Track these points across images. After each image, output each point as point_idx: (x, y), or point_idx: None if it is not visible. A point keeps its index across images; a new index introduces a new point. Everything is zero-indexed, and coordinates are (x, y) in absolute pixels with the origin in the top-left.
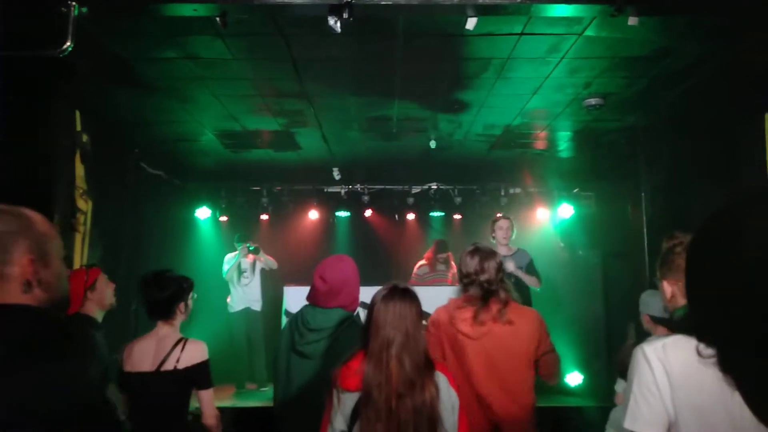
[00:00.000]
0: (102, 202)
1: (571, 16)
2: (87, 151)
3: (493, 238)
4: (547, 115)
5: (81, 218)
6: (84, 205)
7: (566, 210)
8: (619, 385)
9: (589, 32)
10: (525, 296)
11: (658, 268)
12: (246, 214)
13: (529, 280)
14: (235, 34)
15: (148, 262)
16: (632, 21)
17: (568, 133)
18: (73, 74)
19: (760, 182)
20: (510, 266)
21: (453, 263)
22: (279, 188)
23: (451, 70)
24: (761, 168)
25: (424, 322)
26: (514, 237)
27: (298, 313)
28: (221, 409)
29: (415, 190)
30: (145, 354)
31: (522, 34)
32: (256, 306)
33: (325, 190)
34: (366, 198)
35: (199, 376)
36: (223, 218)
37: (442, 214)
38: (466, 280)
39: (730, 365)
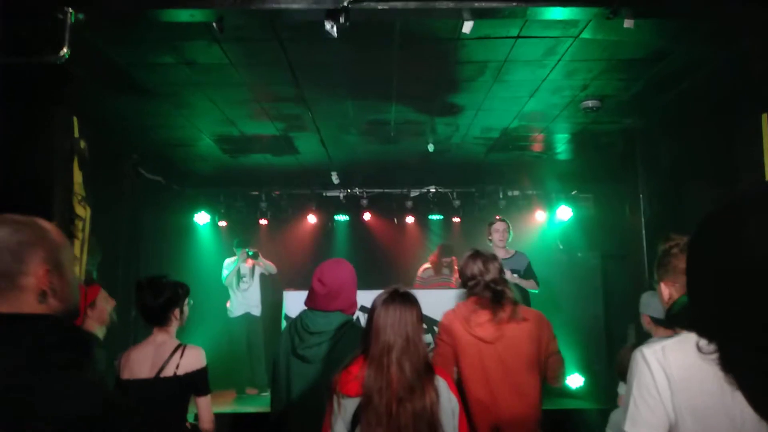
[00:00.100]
0: (100, 208)
1: (567, 18)
2: (85, 157)
3: (490, 240)
4: (545, 117)
5: (79, 225)
6: (82, 211)
7: (565, 212)
8: (622, 388)
9: (585, 35)
10: (524, 299)
11: (655, 270)
12: (245, 219)
13: (526, 284)
14: (232, 39)
15: (147, 268)
16: (628, 24)
17: (566, 135)
18: (71, 80)
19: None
20: (506, 274)
21: (457, 268)
22: (278, 193)
23: (448, 73)
24: (759, 169)
25: (424, 326)
26: (510, 239)
27: (297, 317)
28: (222, 415)
29: (414, 193)
30: (143, 361)
31: (518, 37)
32: (256, 311)
33: (324, 194)
34: (365, 202)
35: (199, 382)
36: (222, 223)
37: (441, 217)
38: (471, 282)
39: (730, 363)
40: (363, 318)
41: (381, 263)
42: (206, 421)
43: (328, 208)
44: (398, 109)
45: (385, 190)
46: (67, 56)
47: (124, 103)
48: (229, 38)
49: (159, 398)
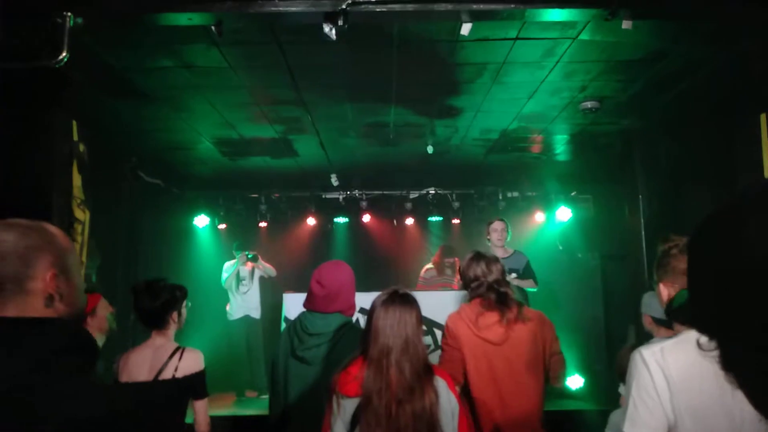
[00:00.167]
0: (99, 212)
1: (566, 20)
2: (84, 161)
3: (488, 240)
4: (543, 118)
5: (78, 228)
6: (81, 215)
7: (564, 213)
8: (623, 389)
9: (583, 36)
10: (524, 299)
11: (654, 270)
12: (244, 222)
13: (524, 284)
14: (231, 42)
15: (147, 271)
16: (626, 25)
17: (565, 136)
18: (69, 84)
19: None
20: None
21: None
22: (277, 195)
23: (447, 75)
24: (757, 169)
25: (424, 327)
26: (509, 239)
27: (296, 319)
28: (221, 418)
29: (413, 195)
30: (142, 364)
31: (517, 38)
32: (256, 313)
33: (323, 196)
34: (364, 204)
35: (197, 385)
36: (222, 226)
37: (441, 218)
38: (474, 283)
39: (731, 362)
40: (363, 320)
41: (381, 265)
42: (202, 424)
43: (327, 211)
44: (397, 112)
45: (385, 192)
46: (65, 60)
47: (122, 107)
48: (227, 41)
49: (157, 401)
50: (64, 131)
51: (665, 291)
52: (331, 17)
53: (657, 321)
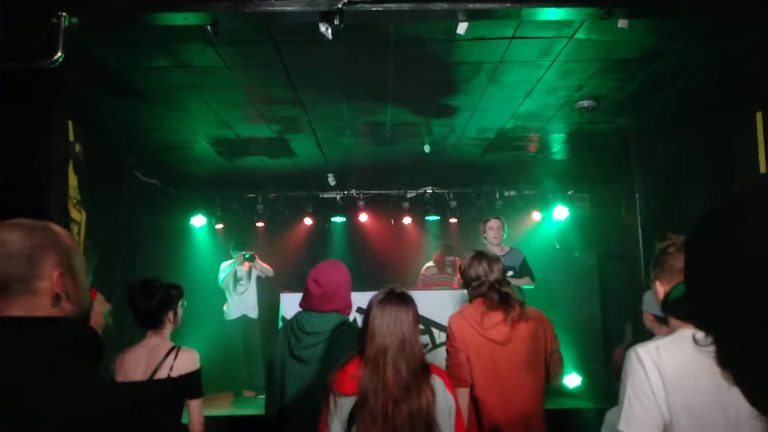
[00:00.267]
0: (96, 212)
1: (562, 19)
2: (80, 161)
3: (485, 238)
4: (540, 118)
5: (75, 229)
6: (77, 215)
7: (561, 212)
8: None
9: (579, 35)
10: (522, 297)
11: (651, 269)
12: (241, 222)
13: (520, 282)
14: (227, 42)
15: (144, 271)
16: (622, 24)
17: (562, 135)
18: (65, 84)
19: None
20: None
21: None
22: (274, 195)
23: (444, 74)
24: (754, 168)
25: (421, 326)
26: (506, 236)
27: (293, 318)
28: (219, 418)
29: (411, 194)
30: (137, 363)
31: (513, 37)
32: (253, 313)
33: (321, 195)
34: (361, 203)
35: (193, 384)
36: (219, 226)
37: (438, 218)
38: (475, 283)
39: (728, 359)
40: (360, 319)
41: (378, 264)
42: (197, 424)
43: (324, 210)
44: (394, 111)
45: (382, 192)
46: (61, 60)
47: (119, 107)
48: (223, 41)
49: (153, 400)
50: (60, 131)
51: (662, 289)
52: (327, 17)
53: (658, 319)
